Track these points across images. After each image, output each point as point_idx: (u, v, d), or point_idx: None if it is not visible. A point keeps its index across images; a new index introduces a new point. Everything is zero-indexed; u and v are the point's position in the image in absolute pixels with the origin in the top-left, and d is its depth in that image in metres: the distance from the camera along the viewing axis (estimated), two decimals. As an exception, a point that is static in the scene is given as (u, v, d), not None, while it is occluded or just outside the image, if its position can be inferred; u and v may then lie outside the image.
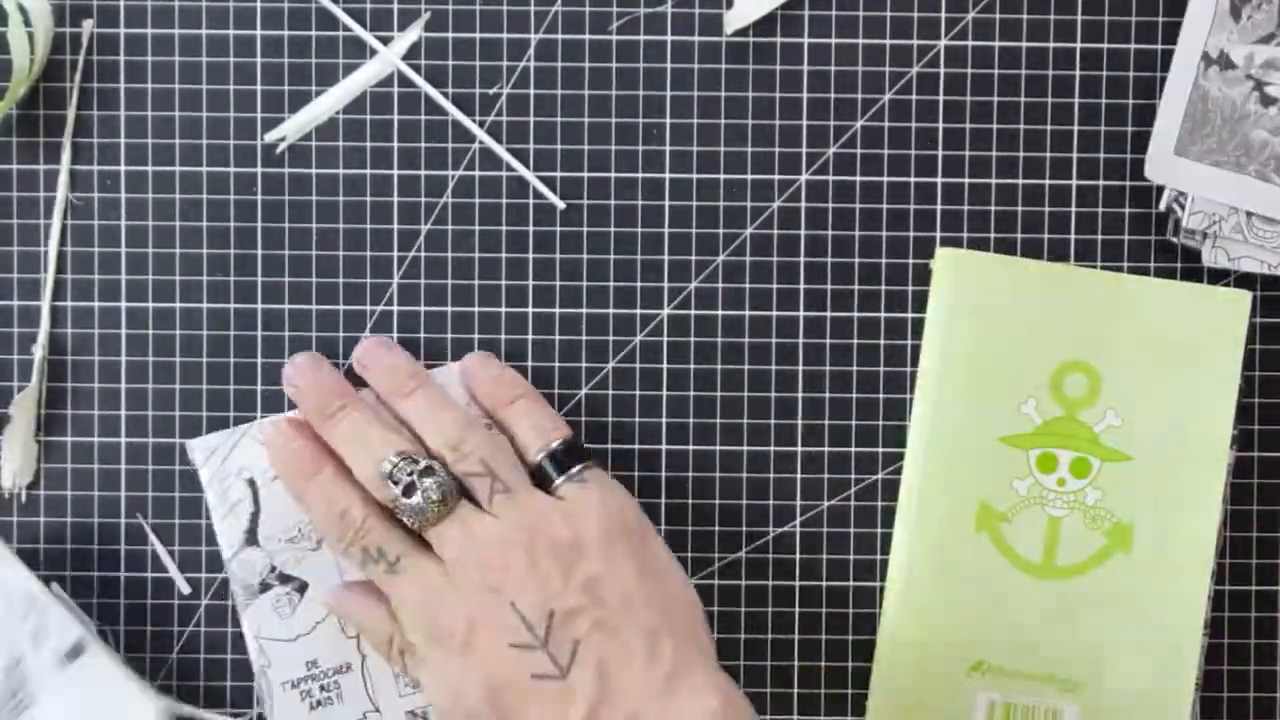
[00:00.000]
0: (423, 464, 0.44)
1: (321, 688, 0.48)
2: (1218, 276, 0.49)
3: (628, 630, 0.42)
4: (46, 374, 0.49)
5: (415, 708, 0.48)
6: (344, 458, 0.46)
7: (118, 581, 0.49)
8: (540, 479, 0.46)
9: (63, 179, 0.48)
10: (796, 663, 0.49)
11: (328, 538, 0.47)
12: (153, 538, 0.49)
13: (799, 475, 0.49)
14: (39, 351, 0.48)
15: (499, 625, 0.43)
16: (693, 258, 0.49)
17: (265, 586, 0.48)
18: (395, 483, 0.44)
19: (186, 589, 0.49)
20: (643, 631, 0.42)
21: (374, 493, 0.45)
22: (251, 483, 0.48)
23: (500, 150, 0.48)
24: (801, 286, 0.49)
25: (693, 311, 0.49)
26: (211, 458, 0.48)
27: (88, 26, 0.48)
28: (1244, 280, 0.49)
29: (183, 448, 0.49)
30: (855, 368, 0.49)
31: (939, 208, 0.49)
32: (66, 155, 0.48)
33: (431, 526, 0.44)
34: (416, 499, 0.44)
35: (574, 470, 0.46)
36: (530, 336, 0.49)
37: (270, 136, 0.48)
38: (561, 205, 0.48)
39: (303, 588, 0.48)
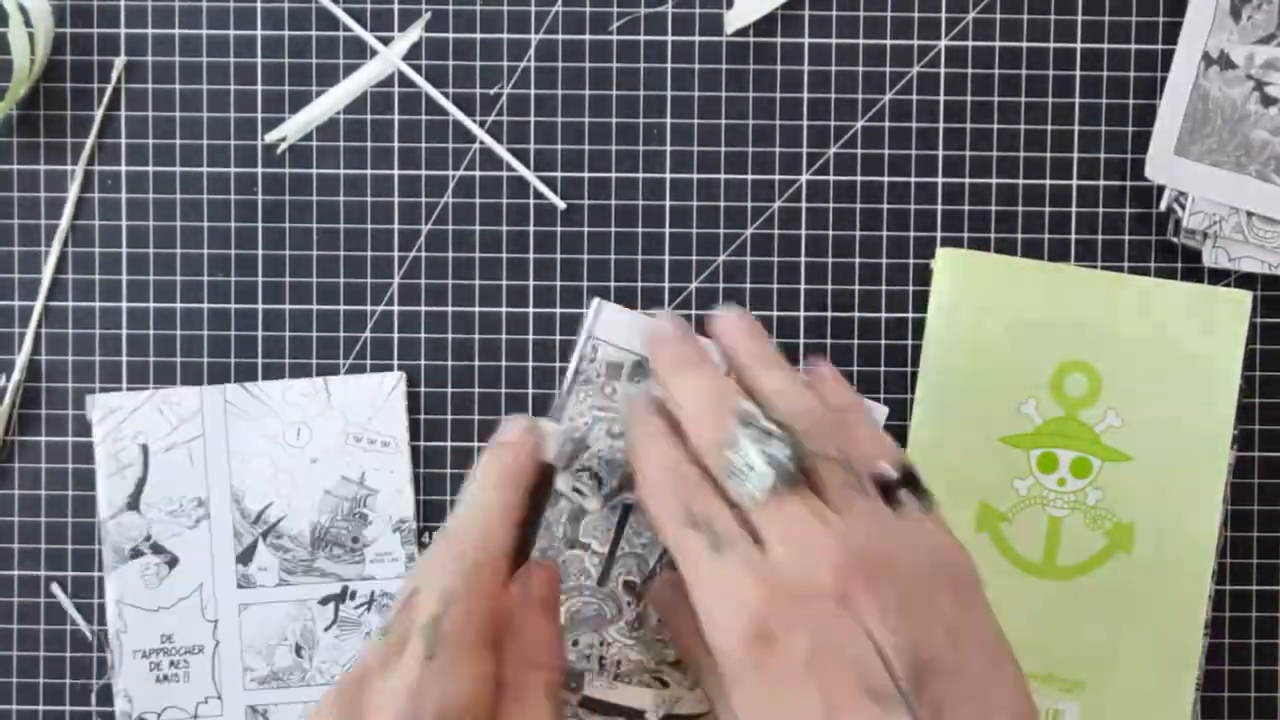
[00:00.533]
0: (777, 432, 0.37)
1: (171, 663, 0.48)
2: (1218, 276, 0.49)
3: (994, 707, 0.34)
4: (19, 401, 0.49)
5: (258, 703, 0.48)
6: (687, 412, 0.39)
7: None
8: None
9: (76, 182, 0.49)
10: (797, 663, 0.49)
11: (654, 491, 0.39)
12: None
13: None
14: (15, 375, 0.49)
15: (850, 655, 0.33)
16: (693, 258, 0.49)
17: (136, 553, 0.48)
18: (747, 425, 0.37)
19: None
20: (1008, 715, 0.34)
21: (709, 457, 0.38)
22: (145, 449, 0.48)
23: (501, 150, 0.48)
24: (801, 286, 0.49)
25: (693, 311, 0.49)
26: (109, 417, 0.48)
27: (119, 64, 0.48)
28: (1244, 280, 0.49)
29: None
30: (855, 368, 0.49)
31: (939, 208, 0.49)
32: (84, 156, 0.49)
33: (765, 507, 0.36)
34: (761, 466, 0.36)
35: (914, 501, 0.38)
36: (530, 336, 0.49)
37: (271, 137, 0.48)
38: (562, 205, 0.48)
39: (173, 562, 0.48)
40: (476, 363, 0.49)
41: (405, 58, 0.49)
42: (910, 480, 0.38)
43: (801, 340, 0.49)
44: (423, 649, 0.35)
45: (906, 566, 0.35)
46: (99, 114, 0.49)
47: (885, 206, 0.49)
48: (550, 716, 0.37)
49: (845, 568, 0.34)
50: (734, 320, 0.43)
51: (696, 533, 0.36)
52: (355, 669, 0.36)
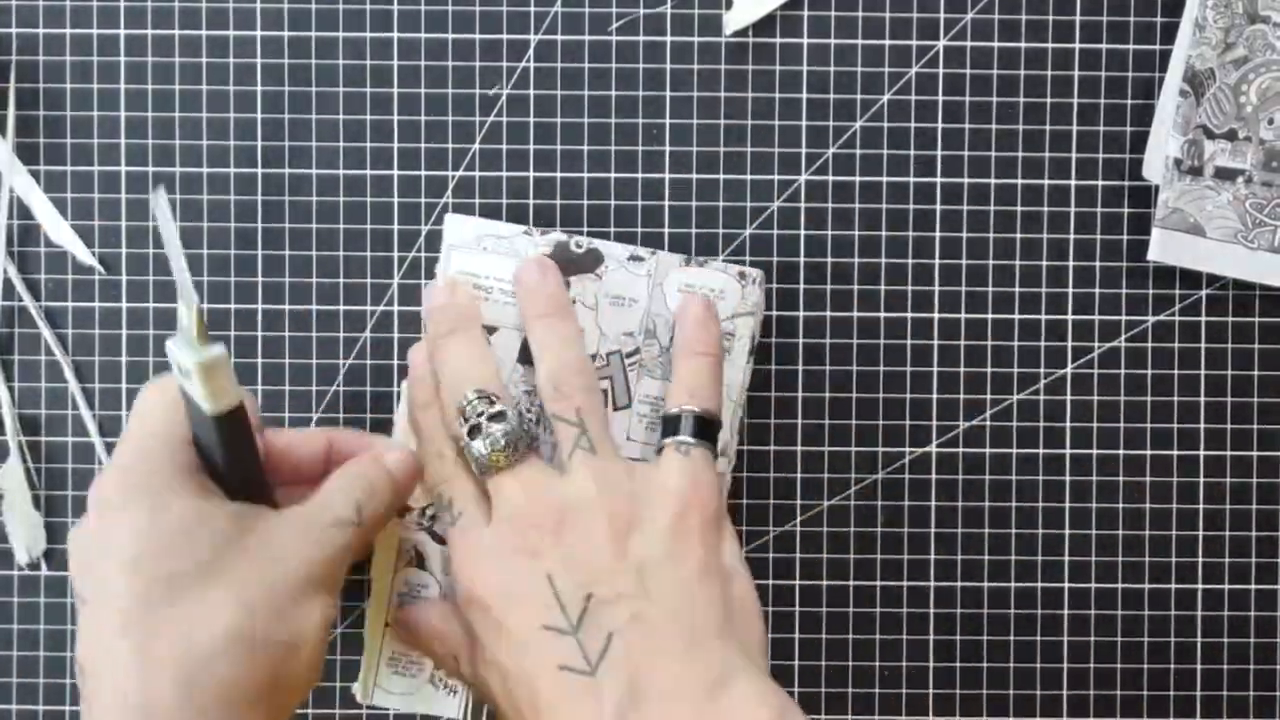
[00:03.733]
0: (497, 407, 0.41)
1: None
2: (1216, 276, 0.49)
3: (667, 628, 0.38)
4: (27, 452, 0.49)
5: None
6: (442, 383, 0.43)
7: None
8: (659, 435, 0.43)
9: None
10: (797, 662, 0.49)
11: (426, 478, 0.44)
12: None
13: (799, 475, 0.49)
14: (10, 425, 0.48)
15: (535, 600, 0.39)
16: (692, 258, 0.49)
17: None
18: (466, 419, 0.41)
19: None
20: (688, 630, 0.38)
21: (450, 428, 0.42)
22: None
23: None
24: (801, 286, 0.49)
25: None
26: None
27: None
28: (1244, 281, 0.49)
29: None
30: (855, 367, 0.49)
31: (939, 208, 0.49)
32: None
33: (492, 476, 0.41)
34: (479, 443, 0.41)
35: (686, 439, 0.42)
36: (530, 336, 0.49)
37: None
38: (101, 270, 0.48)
39: None
40: (476, 363, 0.49)
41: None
42: (703, 428, 0.43)
43: (801, 340, 0.49)
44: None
45: (607, 512, 0.40)
46: (96, 115, 0.49)
47: (884, 206, 0.49)
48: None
49: (538, 527, 0.40)
50: (528, 269, 0.45)
51: (445, 515, 0.42)
52: None
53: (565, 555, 0.39)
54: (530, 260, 0.45)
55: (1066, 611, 0.50)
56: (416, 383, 0.45)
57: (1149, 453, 0.50)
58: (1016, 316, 0.49)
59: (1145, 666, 0.50)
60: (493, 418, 0.41)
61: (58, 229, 0.49)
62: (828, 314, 0.49)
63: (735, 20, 0.48)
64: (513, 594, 0.39)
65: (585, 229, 0.49)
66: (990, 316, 0.49)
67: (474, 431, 0.41)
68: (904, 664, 0.50)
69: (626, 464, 0.42)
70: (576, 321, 0.45)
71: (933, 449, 0.49)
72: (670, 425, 0.43)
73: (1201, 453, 0.50)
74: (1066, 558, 0.50)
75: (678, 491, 0.41)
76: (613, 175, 0.49)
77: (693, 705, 0.37)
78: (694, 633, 0.39)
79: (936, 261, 0.49)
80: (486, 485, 0.42)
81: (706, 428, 0.43)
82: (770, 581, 0.49)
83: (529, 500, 0.40)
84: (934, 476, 0.49)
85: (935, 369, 0.49)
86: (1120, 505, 0.50)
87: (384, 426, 0.49)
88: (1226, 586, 0.49)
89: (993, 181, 0.49)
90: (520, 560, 0.39)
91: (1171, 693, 0.50)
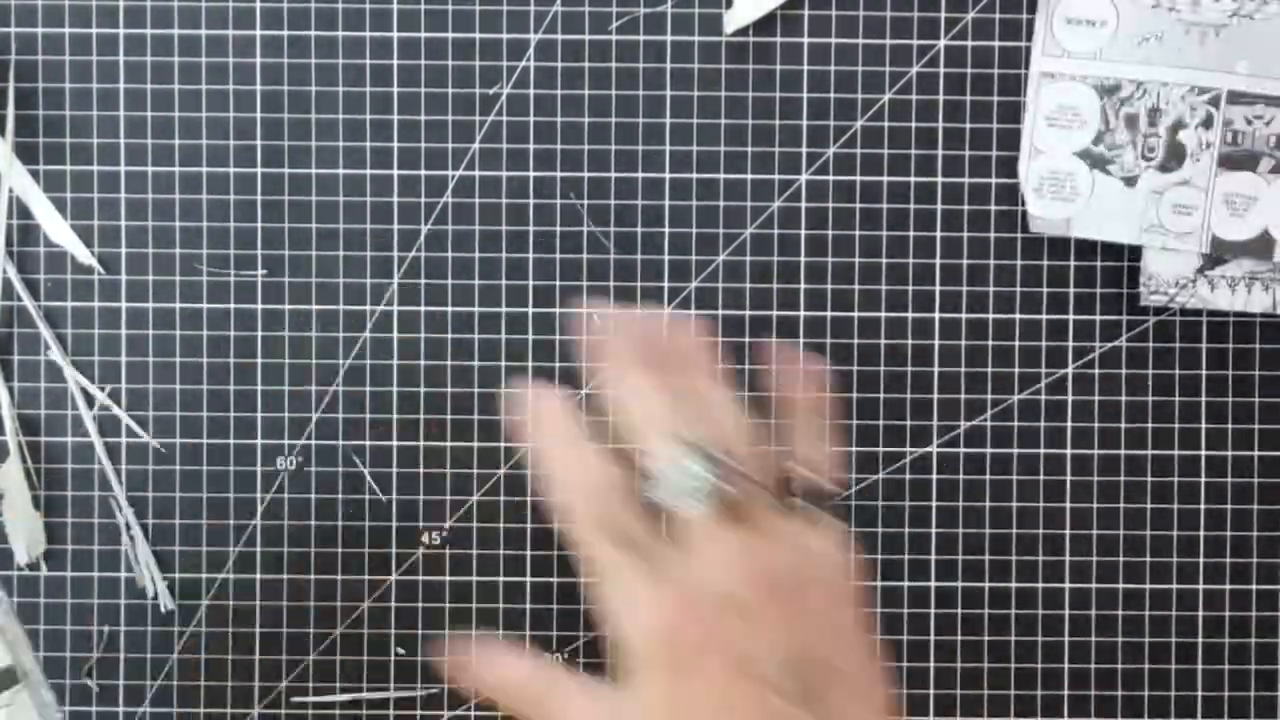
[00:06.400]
0: (710, 450, 0.39)
1: None
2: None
3: (874, 701, 0.37)
4: (27, 452, 0.49)
5: None
6: (631, 413, 0.40)
7: (115, 583, 0.49)
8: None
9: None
10: (797, 663, 0.49)
11: (575, 503, 0.40)
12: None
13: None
14: (10, 425, 0.48)
15: (753, 660, 0.37)
16: (693, 258, 0.49)
17: None
18: (679, 469, 0.39)
19: (170, 604, 0.49)
20: (882, 708, 0.37)
21: (648, 462, 0.40)
22: None
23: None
24: (802, 286, 0.49)
25: (693, 311, 0.49)
26: None
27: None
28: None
29: (181, 447, 0.49)
30: (855, 368, 0.49)
31: (939, 208, 0.49)
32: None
33: (692, 525, 0.39)
34: (696, 489, 0.38)
35: (821, 502, 0.41)
36: (530, 336, 0.49)
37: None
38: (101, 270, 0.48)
39: None
40: (476, 363, 0.49)
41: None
42: (823, 500, 0.40)
43: (801, 340, 0.49)
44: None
45: (803, 580, 0.38)
46: (96, 114, 0.49)
47: (885, 206, 0.49)
48: None
49: (754, 584, 0.37)
50: (680, 328, 0.43)
51: (612, 543, 0.38)
52: None
53: (786, 619, 0.38)
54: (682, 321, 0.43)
55: (1067, 612, 0.50)
56: (552, 416, 0.42)
57: (1150, 452, 0.50)
58: (1017, 316, 0.49)
59: (1146, 667, 0.50)
60: (707, 459, 0.39)
61: (57, 229, 0.49)
62: (828, 314, 0.49)
63: (735, 20, 0.48)
64: (725, 645, 0.38)
65: (584, 228, 0.49)
66: (991, 316, 0.49)
67: (684, 466, 0.39)
68: (904, 664, 0.49)
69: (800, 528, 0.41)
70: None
71: (934, 449, 0.49)
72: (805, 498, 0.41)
73: (1203, 453, 0.50)
74: (1067, 558, 0.50)
75: (832, 553, 0.40)
76: (613, 175, 0.49)
77: None
78: (880, 706, 0.38)
79: (937, 261, 0.49)
80: (685, 532, 0.40)
81: (828, 500, 0.42)
82: (770, 582, 0.49)
83: (745, 552, 0.39)
84: (935, 476, 0.49)
85: (936, 369, 0.49)
86: (1121, 505, 0.50)
87: (383, 426, 0.49)
88: (1228, 587, 0.49)
89: (993, 181, 0.49)
90: (734, 617, 0.38)
91: (1173, 693, 0.50)
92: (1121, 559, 0.50)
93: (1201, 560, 0.50)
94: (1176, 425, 0.50)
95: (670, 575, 0.38)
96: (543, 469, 0.41)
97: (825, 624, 0.38)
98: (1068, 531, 0.50)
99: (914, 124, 0.49)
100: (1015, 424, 0.49)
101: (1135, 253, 0.49)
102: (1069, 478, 0.50)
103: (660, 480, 0.39)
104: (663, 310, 0.46)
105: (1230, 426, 0.49)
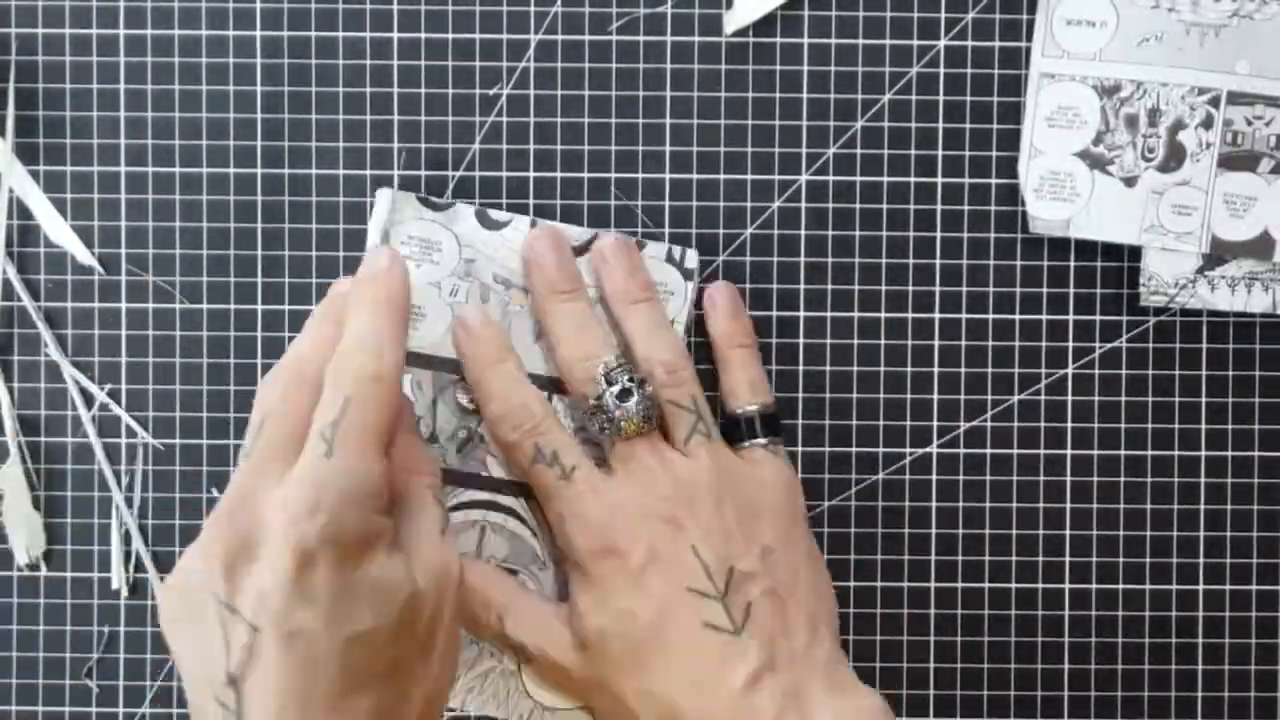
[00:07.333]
0: (639, 376, 0.44)
1: None
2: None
3: (793, 608, 0.43)
4: (27, 452, 0.49)
5: None
6: (560, 340, 0.45)
7: (105, 583, 0.49)
8: (729, 434, 0.46)
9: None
10: (797, 663, 0.49)
11: (499, 426, 0.45)
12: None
13: (800, 476, 0.49)
14: (10, 425, 0.48)
15: (678, 564, 0.42)
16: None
17: None
18: (610, 383, 0.43)
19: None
20: (805, 613, 0.43)
21: (576, 385, 0.45)
22: None
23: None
24: (801, 286, 0.49)
25: (693, 311, 0.49)
26: None
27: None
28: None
29: (182, 447, 0.49)
30: (855, 368, 0.49)
31: (939, 208, 0.49)
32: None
33: (624, 441, 0.44)
34: (630, 405, 0.43)
35: (773, 439, 0.46)
36: (530, 337, 0.49)
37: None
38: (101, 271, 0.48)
39: None
40: (476, 363, 0.49)
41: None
42: (771, 423, 0.46)
43: (801, 340, 0.49)
44: (322, 448, 0.38)
45: (735, 498, 0.43)
46: (96, 115, 0.49)
47: (885, 206, 0.49)
48: (440, 518, 0.42)
49: (675, 499, 0.43)
50: (614, 249, 0.46)
51: (545, 466, 0.43)
52: (233, 492, 0.38)
53: (704, 531, 0.42)
54: (613, 242, 0.47)
55: (1067, 612, 0.50)
56: (481, 342, 0.45)
57: (1150, 453, 0.49)
58: (1017, 316, 0.49)
59: (1146, 667, 0.50)
60: (640, 383, 0.43)
61: (57, 229, 0.49)
62: (828, 314, 0.49)
63: (735, 20, 0.48)
64: (658, 553, 0.42)
65: (584, 228, 0.49)
66: (991, 316, 0.49)
67: (625, 394, 0.43)
68: (904, 665, 0.49)
69: (732, 452, 0.45)
70: (657, 299, 0.47)
71: (933, 449, 0.49)
72: (748, 425, 0.46)
73: (1203, 453, 0.50)
74: (1067, 558, 0.50)
75: (785, 484, 0.45)
76: (613, 175, 0.49)
77: (816, 676, 0.42)
78: (809, 615, 0.43)
79: (937, 261, 0.49)
80: (612, 450, 0.44)
81: (776, 421, 0.47)
82: (770, 582, 0.49)
83: (664, 472, 0.43)
84: (935, 477, 0.49)
85: (936, 369, 0.49)
86: (1121, 506, 0.50)
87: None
88: (1228, 587, 0.49)
89: (993, 181, 0.49)
90: (663, 527, 0.42)
91: (1173, 694, 0.50)
92: (1121, 560, 0.50)
93: (1201, 561, 0.50)
94: (1176, 426, 0.50)
95: (604, 497, 0.43)
96: (476, 386, 0.45)
97: (747, 541, 0.43)
98: (1068, 532, 0.49)
99: (914, 124, 0.49)
100: (1015, 424, 0.49)
101: (1135, 253, 0.49)
102: (1069, 478, 0.50)
103: (608, 402, 0.43)
104: (607, 232, 0.48)
105: (1230, 427, 0.49)
